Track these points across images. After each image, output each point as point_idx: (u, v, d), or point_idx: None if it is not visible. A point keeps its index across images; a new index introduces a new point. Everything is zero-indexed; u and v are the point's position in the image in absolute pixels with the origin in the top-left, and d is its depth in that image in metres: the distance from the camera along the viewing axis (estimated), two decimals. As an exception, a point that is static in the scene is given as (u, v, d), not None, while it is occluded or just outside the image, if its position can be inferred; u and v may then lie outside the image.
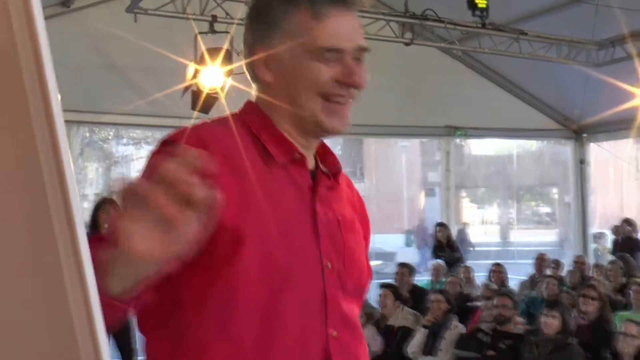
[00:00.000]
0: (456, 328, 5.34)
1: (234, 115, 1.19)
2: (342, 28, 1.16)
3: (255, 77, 1.20)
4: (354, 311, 1.20)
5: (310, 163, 1.20)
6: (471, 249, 15.38)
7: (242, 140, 1.12)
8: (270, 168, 1.13)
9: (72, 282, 0.57)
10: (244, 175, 1.08)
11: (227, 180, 1.02)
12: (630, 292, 5.73)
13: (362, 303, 1.27)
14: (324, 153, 1.24)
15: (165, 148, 1.06)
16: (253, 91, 1.24)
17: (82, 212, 0.59)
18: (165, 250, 0.75)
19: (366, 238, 1.31)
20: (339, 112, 1.16)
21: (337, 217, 1.18)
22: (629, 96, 7.44)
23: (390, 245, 15.26)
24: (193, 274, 1.02)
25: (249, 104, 1.22)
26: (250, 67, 1.20)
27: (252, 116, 1.18)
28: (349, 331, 1.15)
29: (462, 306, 6.25)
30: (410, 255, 14.72)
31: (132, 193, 0.73)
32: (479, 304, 6.27)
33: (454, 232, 9.08)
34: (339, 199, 1.23)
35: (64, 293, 0.57)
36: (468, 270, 7.56)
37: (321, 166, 1.21)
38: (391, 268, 11.06)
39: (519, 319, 5.15)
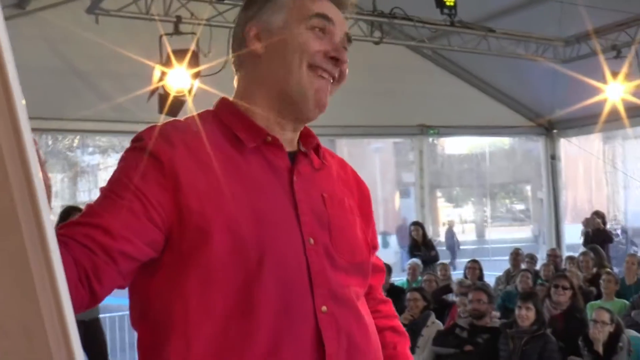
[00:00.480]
0: (434, 325, 5.33)
1: (207, 111, 1.23)
2: (332, 10, 1.21)
3: (241, 61, 1.23)
4: (350, 287, 1.18)
5: (292, 146, 1.22)
6: (459, 248, 15.42)
7: (211, 131, 1.15)
8: (243, 154, 1.15)
9: (43, 287, 0.58)
10: (209, 164, 1.10)
11: (191, 171, 1.08)
12: (601, 281, 5.80)
13: (366, 280, 1.25)
14: (305, 135, 1.26)
15: (134, 145, 1.12)
16: (234, 83, 1.26)
17: (49, 213, 0.61)
18: None
19: (368, 219, 1.32)
20: (323, 89, 1.18)
21: (321, 194, 1.20)
22: (595, 92, 7.51)
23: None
24: (167, 262, 1.08)
25: (221, 100, 1.25)
26: (239, 47, 1.23)
27: (223, 109, 1.22)
28: (342, 307, 1.14)
29: (439, 303, 6.24)
30: (387, 256, 14.70)
31: None
32: (455, 299, 6.26)
33: (442, 231, 9.09)
34: (327, 177, 1.25)
35: (35, 297, 0.58)
36: (445, 268, 7.57)
37: (301, 147, 1.23)
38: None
39: (495, 313, 5.15)
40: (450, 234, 16.80)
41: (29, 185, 0.58)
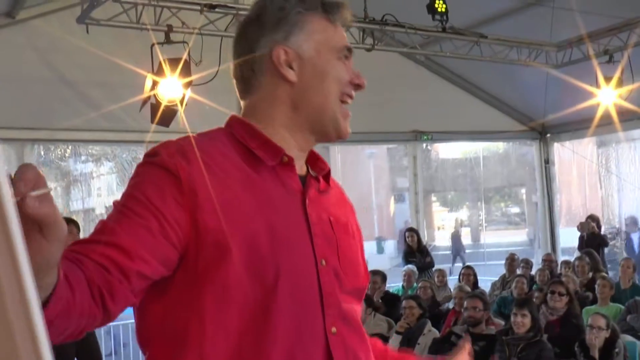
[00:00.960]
0: (430, 332, 5.31)
1: (218, 129, 1.24)
2: (346, 38, 1.28)
3: (259, 83, 1.22)
4: (355, 310, 1.22)
5: (301, 169, 1.24)
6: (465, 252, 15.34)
7: (227, 148, 1.16)
8: (259, 172, 1.16)
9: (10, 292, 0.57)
10: (226, 181, 1.11)
11: (208, 188, 1.08)
12: (596, 286, 5.79)
13: (361, 303, 1.29)
14: (314, 159, 1.29)
15: (149, 159, 1.12)
16: (241, 103, 1.27)
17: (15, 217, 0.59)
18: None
19: (361, 244, 1.35)
20: (348, 115, 1.25)
21: (329, 218, 1.22)
22: (588, 96, 7.53)
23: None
24: (180, 280, 1.08)
25: (233, 118, 1.25)
26: (259, 70, 1.22)
27: (237, 126, 1.22)
28: (349, 328, 1.17)
29: (434, 310, 6.22)
30: (383, 262, 14.69)
31: None
32: (451, 306, 6.24)
33: (437, 236, 9.09)
34: (332, 202, 1.27)
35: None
36: (442, 274, 7.57)
37: (311, 171, 1.26)
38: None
39: (496, 320, 5.12)
40: (456, 237, 16.72)
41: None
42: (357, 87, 1.25)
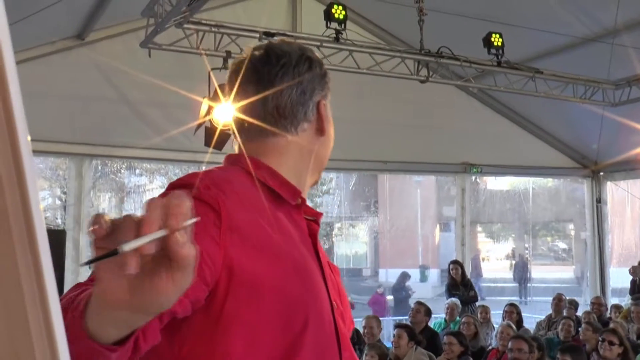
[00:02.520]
0: (471, 371, 5.21)
1: (229, 167, 1.21)
2: None
3: (292, 126, 1.23)
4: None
5: None
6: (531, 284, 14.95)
7: (249, 184, 1.14)
8: (276, 212, 1.13)
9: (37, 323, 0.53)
10: (258, 218, 1.07)
11: (244, 225, 1.03)
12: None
13: None
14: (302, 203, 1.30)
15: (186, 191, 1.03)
16: (253, 144, 1.22)
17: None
18: (138, 299, 0.68)
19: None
20: None
21: (327, 261, 1.24)
22: (644, 137, 7.35)
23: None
24: (202, 320, 1.00)
25: (239, 156, 1.21)
26: (305, 116, 1.23)
27: (252, 164, 1.19)
28: None
29: (477, 346, 6.12)
30: (425, 291, 14.51)
31: (102, 234, 0.66)
32: (493, 345, 6.13)
33: (468, 269, 8.96)
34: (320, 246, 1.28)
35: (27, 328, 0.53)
36: (485, 310, 7.43)
37: (308, 216, 1.25)
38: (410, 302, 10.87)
39: None
40: (521, 266, 16.27)
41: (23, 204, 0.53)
42: None
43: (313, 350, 1.07)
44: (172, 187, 1.05)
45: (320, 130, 1.26)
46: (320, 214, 1.29)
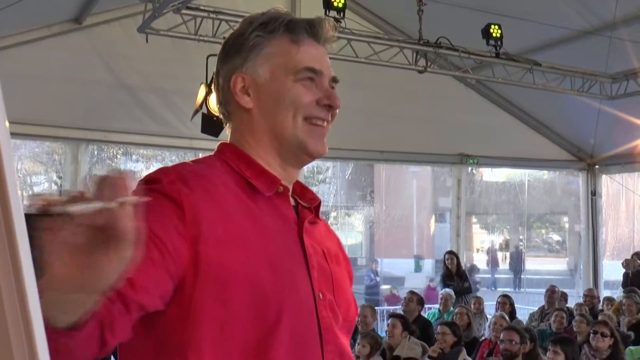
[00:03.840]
0: (464, 361, 5.24)
1: (211, 156, 1.19)
2: (318, 56, 1.19)
3: (229, 112, 1.20)
4: (347, 345, 1.18)
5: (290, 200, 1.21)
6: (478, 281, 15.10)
7: (224, 177, 1.12)
8: (256, 203, 1.12)
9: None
10: (228, 212, 1.06)
11: (211, 219, 1.02)
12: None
13: (349, 338, 1.24)
14: (301, 190, 1.25)
15: (148, 187, 1.03)
16: (227, 131, 1.23)
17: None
18: (82, 276, 0.71)
19: (349, 273, 1.30)
20: (321, 135, 1.18)
21: (322, 250, 1.19)
22: (640, 130, 7.38)
23: (399, 270, 15.14)
24: (175, 315, 1.00)
25: (224, 145, 1.21)
26: (226, 100, 1.20)
27: (229, 155, 1.18)
28: None
29: (470, 337, 6.16)
30: (419, 281, 14.56)
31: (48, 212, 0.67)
32: (486, 336, 6.18)
33: (475, 258, 9.00)
34: (320, 232, 1.23)
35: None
36: (479, 301, 7.47)
37: (301, 201, 1.22)
38: (400, 293, 10.94)
39: (544, 357, 4.99)
40: (517, 257, 16.30)
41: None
42: (328, 107, 1.18)
43: (289, 344, 1.04)
44: (141, 183, 1.05)
45: (241, 106, 1.17)
46: (316, 201, 1.24)
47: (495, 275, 18.27)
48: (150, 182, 1.04)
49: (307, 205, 1.22)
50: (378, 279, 12.69)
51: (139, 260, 0.91)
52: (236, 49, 1.18)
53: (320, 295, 1.12)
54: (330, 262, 1.19)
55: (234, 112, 1.19)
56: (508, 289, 12.19)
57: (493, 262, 18.03)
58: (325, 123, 1.18)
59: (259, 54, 1.16)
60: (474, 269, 13.70)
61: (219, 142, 1.23)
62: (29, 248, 0.56)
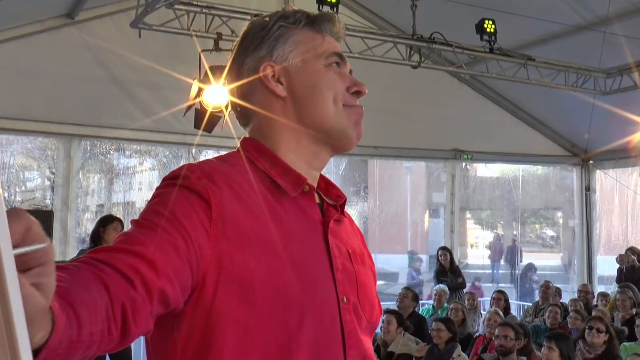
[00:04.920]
0: (459, 357, 5.25)
1: (234, 153, 1.16)
2: (337, 46, 1.21)
3: (257, 104, 1.16)
4: (371, 347, 1.16)
5: (315, 197, 1.17)
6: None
7: (249, 175, 1.09)
8: (281, 202, 1.09)
9: None
10: (254, 211, 1.04)
11: (237, 218, 1.01)
12: (635, 327, 5.62)
13: (372, 339, 1.21)
14: (325, 186, 1.22)
15: (174, 182, 1.02)
16: (247, 129, 1.20)
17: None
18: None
19: (373, 273, 1.27)
20: (360, 121, 1.18)
21: (347, 250, 1.16)
22: (636, 125, 7.37)
23: (393, 265, 15.14)
24: (193, 316, 0.98)
25: (247, 140, 1.18)
26: (251, 91, 1.16)
27: (253, 151, 1.14)
28: None
29: (464, 333, 6.17)
30: (413, 276, 14.56)
31: None
32: (481, 332, 6.18)
33: (469, 253, 9.01)
34: (346, 230, 1.20)
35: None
36: (473, 296, 7.48)
37: (326, 199, 1.19)
38: (394, 289, 10.96)
39: (538, 354, 4.99)
40: (512, 251, 16.26)
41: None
42: (357, 94, 1.18)
43: (311, 349, 1.02)
44: (167, 179, 1.04)
45: (273, 96, 1.14)
46: (342, 198, 1.20)
47: (495, 271, 18.28)
48: (176, 178, 1.02)
49: (332, 202, 1.19)
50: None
51: (162, 243, 0.91)
52: (259, 40, 1.16)
53: (344, 299, 1.09)
54: (355, 262, 1.16)
55: (262, 103, 1.15)
56: (507, 285, 12.20)
57: (494, 257, 18.03)
58: (360, 110, 1.18)
59: (286, 41, 1.15)
60: (467, 266, 13.71)
61: (242, 137, 1.19)
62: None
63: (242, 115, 1.20)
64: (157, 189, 1.05)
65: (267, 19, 1.18)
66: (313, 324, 1.03)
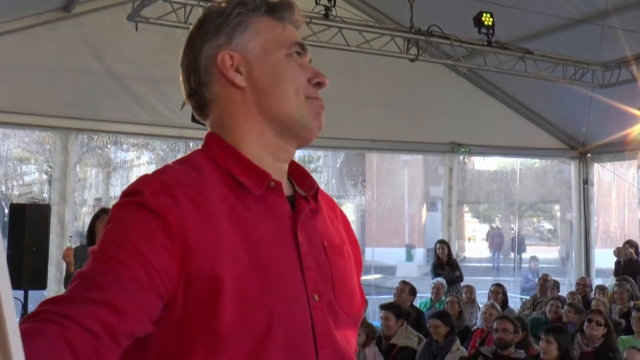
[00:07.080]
0: (458, 351, 5.26)
1: (198, 152, 1.12)
2: (298, 35, 1.16)
3: (214, 94, 1.11)
4: (349, 342, 1.13)
5: (286, 188, 1.13)
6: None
7: (210, 176, 1.05)
8: (245, 203, 1.05)
9: None
10: (216, 219, 1.00)
11: (199, 231, 0.98)
12: (632, 319, 5.63)
13: (357, 329, 1.19)
14: (300, 175, 1.18)
15: (130, 199, 0.99)
16: (207, 122, 1.15)
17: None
18: None
19: (357, 262, 1.23)
20: (321, 113, 1.14)
21: (323, 243, 1.12)
22: (634, 118, 7.37)
23: (390, 259, 15.17)
24: (164, 332, 0.97)
25: (210, 137, 1.13)
26: (208, 81, 1.11)
27: (216, 148, 1.10)
28: None
29: (462, 326, 6.18)
30: (410, 271, 14.59)
31: None
32: (478, 325, 6.19)
33: (467, 247, 9.02)
34: (322, 221, 1.16)
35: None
36: (470, 290, 7.49)
37: (299, 190, 1.15)
38: (391, 282, 10.98)
39: (536, 347, 4.99)
40: (519, 242, 16.22)
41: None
42: (319, 85, 1.13)
43: (281, 354, 1.00)
44: (124, 195, 1.01)
45: (232, 86, 1.10)
46: (313, 189, 1.16)
47: (486, 264, 18.32)
48: (132, 195, 0.99)
49: (304, 193, 1.15)
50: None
51: (123, 282, 0.89)
52: (217, 27, 1.11)
53: (316, 297, 1.06)
54: (330, 256, 1.12)
55: (220, 93, 1.11)
56: (507, 279, 12.19)
57: (495, 247, 18.06)
58: (321, 102, 1.14)
59: (245, 29, 1.11)
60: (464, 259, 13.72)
61: (206, 133, 1.15)
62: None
63: (199, 106, 1.14)
64: (114, 208, 1.02)
65: (224, 4, 1.13)
66: (282, 329, 1.00)
